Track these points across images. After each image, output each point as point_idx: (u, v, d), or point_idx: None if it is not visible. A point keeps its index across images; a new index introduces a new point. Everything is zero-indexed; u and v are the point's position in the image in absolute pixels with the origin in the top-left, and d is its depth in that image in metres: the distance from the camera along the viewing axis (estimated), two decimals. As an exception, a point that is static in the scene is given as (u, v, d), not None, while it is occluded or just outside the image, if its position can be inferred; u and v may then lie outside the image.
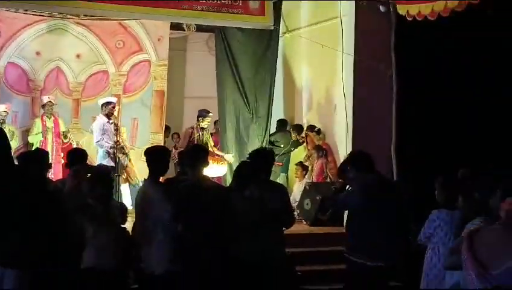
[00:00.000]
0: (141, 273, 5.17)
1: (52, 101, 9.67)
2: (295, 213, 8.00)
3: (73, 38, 10.27)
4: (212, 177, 7.92)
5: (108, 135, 9.10)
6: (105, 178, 5.26)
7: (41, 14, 9.93)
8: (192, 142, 9.43)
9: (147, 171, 5.32)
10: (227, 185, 7.81)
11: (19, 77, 10.08)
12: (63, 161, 8.81)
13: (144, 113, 10.58)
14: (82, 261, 4.95)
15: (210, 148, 9.57)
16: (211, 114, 9.86)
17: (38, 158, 5.50)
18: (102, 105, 9.32)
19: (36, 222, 4.01)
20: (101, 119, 9.22)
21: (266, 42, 10.71)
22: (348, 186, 5.92)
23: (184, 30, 10.88)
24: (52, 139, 9.54)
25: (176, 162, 9.43)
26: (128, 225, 5.50)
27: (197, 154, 5.45)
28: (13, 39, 9.94)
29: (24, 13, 9.84)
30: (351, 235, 5.65)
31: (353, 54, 9.14)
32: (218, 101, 10.78)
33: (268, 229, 5.15)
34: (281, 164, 10.68)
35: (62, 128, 9.68)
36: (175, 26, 10.71)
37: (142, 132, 10.54)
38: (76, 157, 6.06)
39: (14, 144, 9.22)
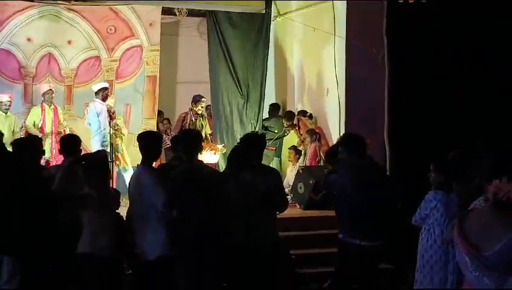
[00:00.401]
0: (135, 259, 5.18)
1: (52, 89, 9.62)
2: (288, 197, 8.03)
3: (65, 24, 10.22)
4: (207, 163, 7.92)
5: (104, 119, 9.13)
6: (102, 165, 5.26)
7: (32, 1, 9.89)
8: (185, 128, 9.42)
9: (139, 156, 5.33)
10: (222, 170, 7.83)
11: (11, 64, 10.04)
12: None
13: (136, 99, 10.58)
14: (77, 247, 5.00)
15: (205, 134, 9.58)
16: (204, 99, 9.84)
17: (31, 145, 5.52)
18: (98, 91, 9.31)
19: (29, 209, 4.04)
20: (99, 104, 9.22)
21: (258, 26, 10.70)
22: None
23: (175, 15, 10.86)
24: (52, 127, 9.49)
25: (166, 147, 9.47)
26: (122, 210, 5.52)
27: (191, 139, 5.45)
28: (4, 25, 9.90)
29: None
30: (343, 216, 5.72)
31: (345, 37, 9.14)
32: (211, 86, 10.77)
33: (262, 214, 5.17)
34: (274, 148, 10.72)
35: (60, 117, 9.64)
36: (166, 11, 10.69)
37: (135, 118, 10.54)
38: (70, 143, 6.06)
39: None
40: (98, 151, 7.75)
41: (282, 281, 5.58)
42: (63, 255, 4.99)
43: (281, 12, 11.55)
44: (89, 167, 5.11)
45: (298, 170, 9.38)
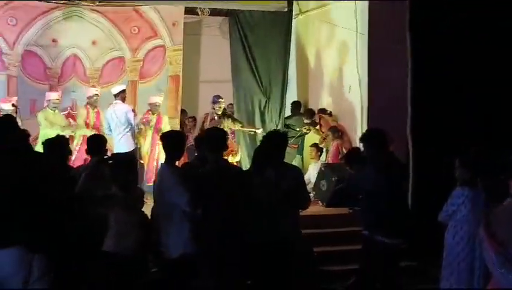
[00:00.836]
0: (160, 257, 5.24)
1: (99, 94, 9.70)
2: (311, 195, 8.05)
3: (89, 25, 10.33)
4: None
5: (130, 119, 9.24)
6: (130, 165, 5.33)
7: (57, 1, 10.03)
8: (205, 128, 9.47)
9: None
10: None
11: (36, 65, 10.17)
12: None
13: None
14: (103, 246, 5.07)
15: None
16: (221, 100, 9.83)
17: (59, 145, 5.61)
18: (118, 93, 9.43)
19: (57, 208, 4.11)
20: (121, 105, 9.33)
21: (280, 25, 10.72)
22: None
23: (198, 14, 10.91)
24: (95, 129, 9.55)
25: (190, 146, 9.51)
26: (146, 209, 5.59)
27: (216, 138, 5.45)
28: (29, 27, 10.02)
29: (40, 1, 9.93)
30: (369, 213, 5.69)
31: (367, 34, 9.12)
32: (233, 85, 10.82)
33: (284, 211, 5.17)
34: (296, 146, 10.74)
35: (103, 121, 9.61)
36: (189, 11, 10.75)
37: (158, 117, 10.62)
38: (95, 143, 6.14)
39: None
40: (125, 153, 7.85)
41: (305, 279, 5.60)
42: (88, 254, 5.06)
43: (302, 10, 11.55)
44: (117, 167, 5.18)
45: (320, 168, 9.39)
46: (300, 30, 11.73)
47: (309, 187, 8.71)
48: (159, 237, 5.19)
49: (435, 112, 7.87)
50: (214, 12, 10.92)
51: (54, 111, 9.41)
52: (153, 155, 9.70)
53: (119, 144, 9.26)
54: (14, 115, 8.93)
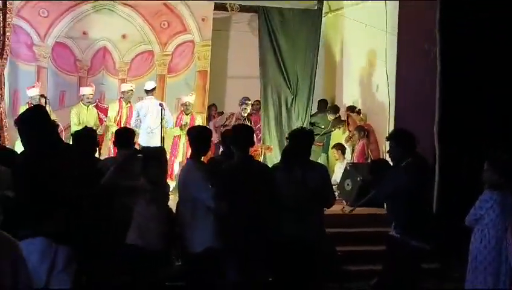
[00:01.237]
0: (184, 252, 5.28)
1: (133, 89, 9.79)
2: (335, 194, 8.03)
3: (119, 18, 10.42)
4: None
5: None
6: (160, 159, 5.37)
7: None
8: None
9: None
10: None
11: (66, 57, 10.29)
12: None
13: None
14: (127, 238, 5.12)
15: None
16: (248, 101, 9.84)
17: (87, 137, 5.68)
18: (153, 89, 9.57)
19: (83, 199, 4.15)
20: (157, 101, 9.44)
21: (309, 22, 10.70)
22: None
23: (227, 10, 10.94)
24: (126, 123, 9.61)
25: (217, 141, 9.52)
26: (172, 203, 5.63)
27: (243, 134, 5.47)
28: (60, 19, 10.13)
29: (71, -7, 10.06)
30: (397, 214, 5.62)
31: (397, 34, 9.07)
32: (260, 81, 10.83)
33: (309, 209, 5.18)
34: (321, 144, 10.73)
35: (135, 114, 9.71)
36: (218, 7, 10.78)
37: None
38: (124, 136, 6.20)
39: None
40: (156, 147, 7.88)
41: (327, 278, 5.60)
42: (112, 246, 5.10)
43: (332, 9, 11.52)
44: (148, 160, 5.22)
45: (346, 167, 9.38)
46: (329, 28, 11.70)
47: (334, 186, 8.70)
48: (183, 231, 5.23)
49: (464, 113, 7.79)
50: (244, 8, 10.94)
51: (88, 106, 9.52)
52: (175, 152, 9.80)
53: (147, 137, 9.35)
54: (44, 105, 9.18)
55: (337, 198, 7.53)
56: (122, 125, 9.28)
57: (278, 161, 6.08)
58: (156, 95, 9.90)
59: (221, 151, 7.02)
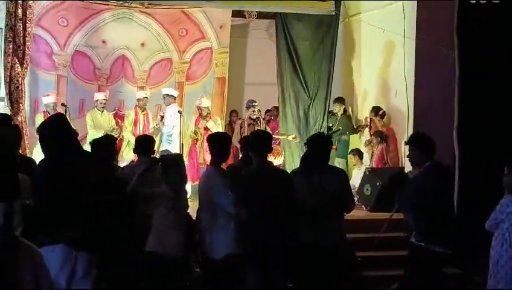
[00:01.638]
0: (204, 258, 5.30)
1: (148, 96, 9.83)
2: (355, 198, 8.00)
3: (138, 26, 10.52)
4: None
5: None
6: (179, 166, 5.39)
7: (107, 3, 10.24)
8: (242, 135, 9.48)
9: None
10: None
11: (86, 65, 10.40)
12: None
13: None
14: (147, 245, 5.14)
15: None
16: (255, 103, 9.80)
17: (105, 145, 5.71)
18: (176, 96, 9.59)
19: (103, 206, 4.19)
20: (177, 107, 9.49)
21: (327, 28, 10.70)
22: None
23: (245, 17, 10.98)
24: (143, 130, 9.63)
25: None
26: (191, 210, 5.66)
27: (261, 140, 5.50)
28: (79, 28, 10.25)
29: (90, 2, 10.15)
30: (419, 221, 5.51)
31: (415, 38, 9.04)
32: (278, 88, 10.84)
33: (328, 214, 5.19)
34: (334, 147, 10.63)
35: (151, 124, 9.75)
36: (236, 14, 10.84)
37: (204, 119, 10.71)
38: (144, 144, 6.25)
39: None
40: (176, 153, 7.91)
41: (346, 284, 5.57)
42: (132, 253, 5.13)
43: (349, 14, 11.50)
44: (168, 167, 5.25)
45: (365, 172, 9.34)
46: (346, 33, 11.68)
47: (354, 191, 8.67)
48: (203, 237, 5.25)
49: (483, 117, 7.74)
50: (261, 15, 10.98)
51: (102, 112, 9.58)
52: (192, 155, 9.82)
53: (167, 143, 9.37)
54: (64, 114, 9.24)
55: (356, 203, 7.52)
56: (139, 133, 9.35)
57: (297, 167, 6.08)
58: (176, 102, 9.93)
59: (241, 158, 7.04)
